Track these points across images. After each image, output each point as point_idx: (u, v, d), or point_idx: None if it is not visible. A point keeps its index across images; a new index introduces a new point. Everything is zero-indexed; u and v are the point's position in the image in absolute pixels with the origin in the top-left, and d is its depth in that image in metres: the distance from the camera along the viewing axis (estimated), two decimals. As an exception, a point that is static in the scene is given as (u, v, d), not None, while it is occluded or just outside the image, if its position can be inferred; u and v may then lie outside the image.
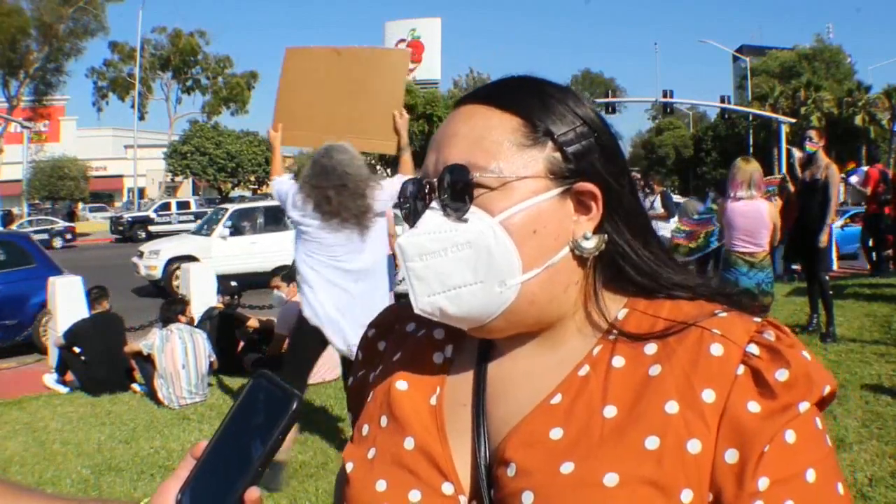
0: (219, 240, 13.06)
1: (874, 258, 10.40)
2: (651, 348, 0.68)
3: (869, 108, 37.64)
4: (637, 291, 0.73)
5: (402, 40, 39.74)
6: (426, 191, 0.72)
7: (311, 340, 3.92)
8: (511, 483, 0.66)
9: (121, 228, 30.16)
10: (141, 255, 13.14)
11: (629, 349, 0.69)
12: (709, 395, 0.64)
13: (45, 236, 27.79)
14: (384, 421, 0.76)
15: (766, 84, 42.83)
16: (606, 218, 0.72)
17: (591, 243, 0.71)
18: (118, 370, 5.95)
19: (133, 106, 44.89)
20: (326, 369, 5.80)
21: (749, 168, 5.31)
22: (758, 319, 0.68)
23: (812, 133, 6.86)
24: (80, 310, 6.79)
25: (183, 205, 32.21)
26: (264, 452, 0.63)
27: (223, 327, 6.40)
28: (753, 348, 0.65)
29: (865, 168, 10.60)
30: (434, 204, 0.71)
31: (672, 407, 0.64)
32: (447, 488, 0.70)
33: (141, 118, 46.88)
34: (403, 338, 0.84)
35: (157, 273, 12.68)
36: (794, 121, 31.04)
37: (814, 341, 6.11)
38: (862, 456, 3.64)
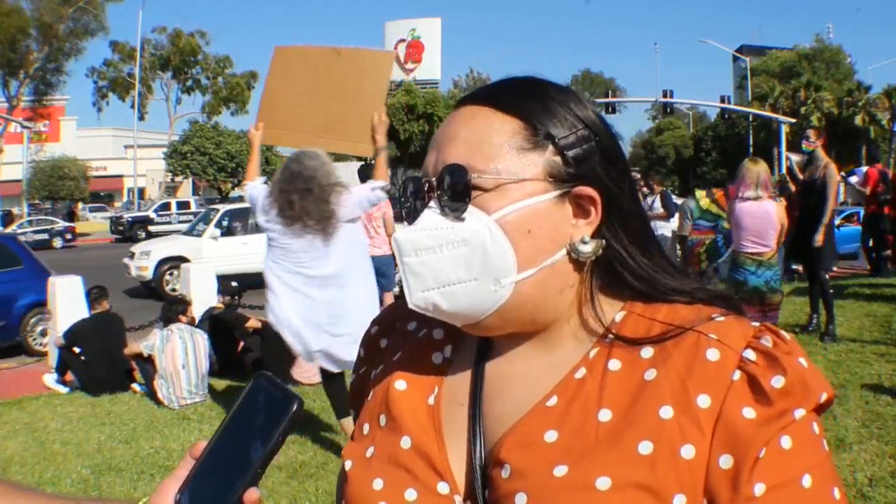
0: (210, 240, 12.96)
1: (874, 258, 10.40)
2: (647, 352, 0.68)
3: (869, 108, 37.63)
4: (634, 295, 0.73)
5: (402, 40, 39.71)
6: (425, 189, 0.72)
7: (273, 344, 4.01)
8: (505, 484, 0.66)
9: (121, 228, 30.16)
10: (132, 255, 13.05)
11: (626, 353, 0.69)
12: (704, 401, 0.64)
13: (45, 236, 27.84)
14: (383, 420, 0.77)
15: (766, 84, 42.83)
16: (605, 223, 0.71)
17: (588, 247, 0.71)
18: (118, 370, 5.96)
19: (133, 106, 44.89)
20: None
21: (757, 168, 5.32)
22: (756, 324, 0.68)
23: (810, 132, 6.86)
24: (80, 310, 6.79)
25: (183, 205, 32.21)
26: (264, 453, 0.63)
27: (220, 328, 6.39)
28: (750, 354, 0.65)
29: (865, 168, 10.59)
30: (432, 203, 0.71)
31: (667, 412, 0.64)
32: (442, 488, 0.71)
33: (141, 118, 46.92)
34: (405, 337, 0.84)
35: (148, 274, 12.59)
36: (794, 121, 31.06)
37: (813, 341, 6.11)
38: (862, 456, 3.63)
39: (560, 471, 0.64)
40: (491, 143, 0.70)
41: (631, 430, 0.64)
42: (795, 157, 7.52)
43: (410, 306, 0.72)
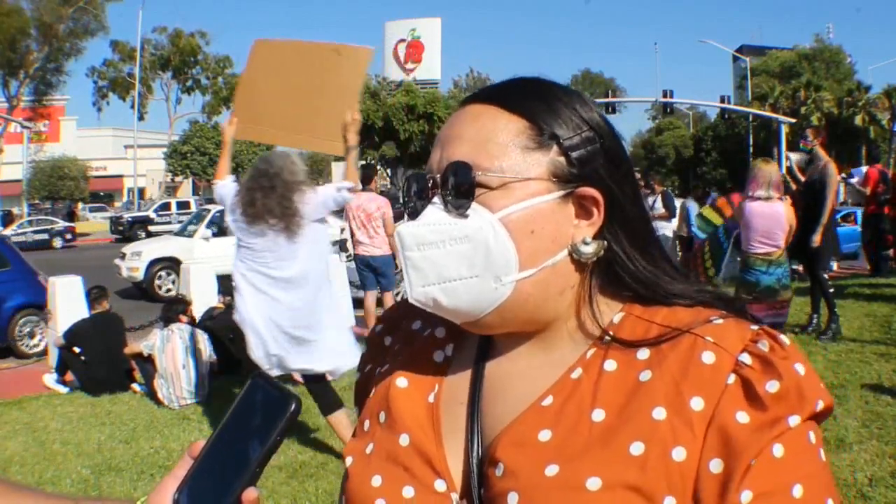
0: (201, 241, 12.83)
1: (874, 258, 10.39)
2: (644, 353, 0.68)
3: (869, 108, 37.60)
4: (634, 296, 0.73)
5: (402, 40, 39.73)
6: (429, 186, 0.73)
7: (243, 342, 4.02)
8: (498, 483, 0.67)
9: (121, 228, 30.15)
10: (123, 256, 12.95)
11: (622, 354, 0.69)
12: (697, 403, 0.64)
13: (45, 236, 27.83)
14: (383, 417, 0.77)
15: (766, 84, 42.81)
16: (607, 224, 0.72)
17: (590, 248, 0.71)
18: (118, 370, 5.95)
19: (133, 106, 44.89)
20: (327, 369, 5.79)
21: (769, 169, 5.33)
22: (755, 327, 0.67)
23: (808, 132, 6.86)
24: (80, 310, 6.79)
25: (183, 205, 32.19)
26: (262, 453, 0.63)
27: (221, 328, 6.38)
28: (746, 357, 0.64)
29: (864, 168, 10.59)
30: (436, 199, 0.72)
31: (660, 413, 0.64)
32: (439, 485, 0.71)
33: (140, 118, 46.89)
34: (409, 335, 0.85)
35: (139, 275, 12.48)
36: (794, 121, 31.04)
37: (813, 341, 6.11)
38: (862, 456, 3.63)
39: (551, 470, 0.64)
40: (496, 142, 0.70)
41: (623, 431, 0.64)
42: (795, 157, 7.51)
43: (410, 300, 0.73)
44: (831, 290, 6.37)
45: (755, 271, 5.15)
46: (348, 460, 0.77)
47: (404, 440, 0.74)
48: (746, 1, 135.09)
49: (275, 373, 3.92)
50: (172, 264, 12.62)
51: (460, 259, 0.69)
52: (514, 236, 0.69)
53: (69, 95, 49.39)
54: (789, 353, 0.65)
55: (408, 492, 0.71)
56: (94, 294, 6.48)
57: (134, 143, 42.07)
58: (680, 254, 9.31)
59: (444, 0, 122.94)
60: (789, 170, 7.42)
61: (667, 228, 9.81)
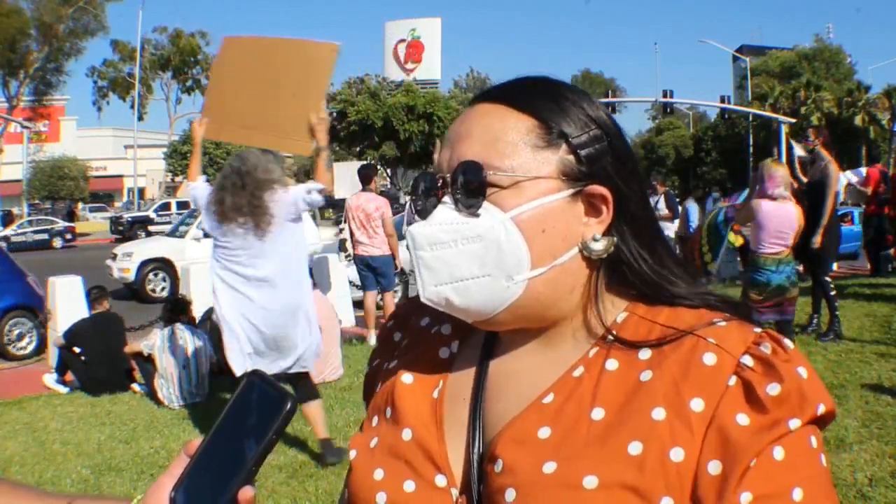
0: (192, 241, 12.70)
1: (874, 258, 10.39)
2: (645, 353, 0.68)
3: (869, 108, 37.58)
4: (639, 295, 0.74)
5: (402, 40, 39.69)
6: (439, 185, 0.73)
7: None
8: (497, 479, 0.67)
9: (121, 228, 30.16)
10: (114, 257, 12.89)
11: (624, 353, 0.69)
12: (697, 404, 0.64)
13: (45, 236, 27.85)
14: (388, 412, 0.78)
15: (766, 84, 42.81)
16: (614, 223, 0.72)
17: (600, 245, 0.71)
18: (118, 370, 5.95)
19: (133, 106, 44.89)
20: (330, 370, 5.80)
21: (782, 170, 5.33)
22: (758, 330, 0.67)
23: (809, 131, 6.85)
24: (80, 310, 6.79)
25: (183, 205, 32.11)
26: (258, 452, 0.63)
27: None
28: (748, 360, 0.64)
29: (864, 168, 10.58)
30: (447, 199, 0.72)
31: (659, 413, 0.64)
32: (440, 480, 0.71)
33: (140, 118, 46.88)
34: (417, 332, 0.85)
35: (131, 276, 12.42)
36: (794, 121, 31.03)
37: (813, 341, 6.11)
38: (862, 456, 3.63)
39: (549, 467, 0.64)
40: (506, 141, 0.70)
41: (622, 430, 0.64)
42: (799, 151, 7.48)
43: (423, 300, 0.73)
44: (833, 293, 6.35)
45: (765, 271, 5.13)
46: (352, 453, 0.78)
47: (407, 435, 0.74)
48: (746, 1, 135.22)
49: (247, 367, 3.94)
50: (164, 265, 12.62)
51: (472, 258, 0.70)
52: (526, 235, 0.69)
53: (69, 95, 49.49)
54: (792, 357, 0.65)
55: (409, 486, 0.72)
56: (95, 294, 6.48)
57: (134, 143, 42.08)
58: (681, 254, 9.30)
59: (444, 0, 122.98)
60: (791, 165, 7.36)
61: (669, 229, 9.82)
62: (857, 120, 37.12)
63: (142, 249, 13.07)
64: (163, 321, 5.96)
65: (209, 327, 6.26)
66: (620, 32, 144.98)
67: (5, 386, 6.45)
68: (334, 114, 31.71)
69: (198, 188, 4.07)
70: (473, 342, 0.80)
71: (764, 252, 5.15)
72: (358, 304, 7.80)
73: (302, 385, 4.04)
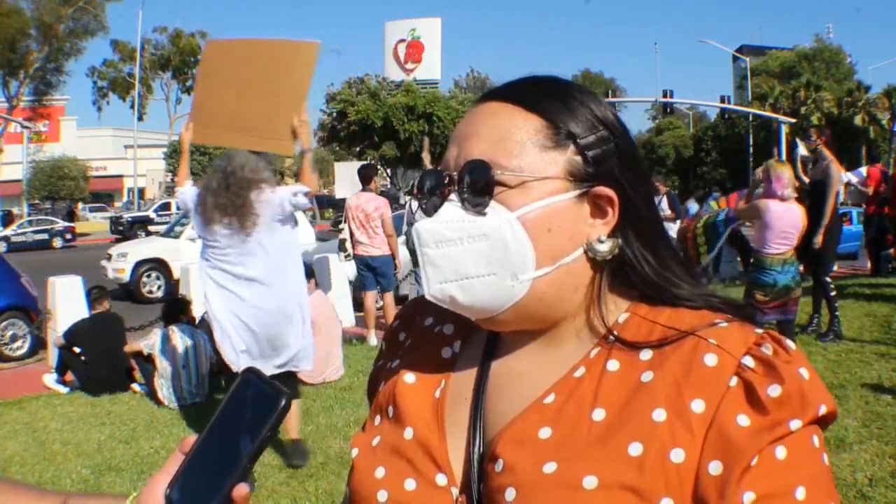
0: (187, 241, 12.56)
1: (875, 258, 10.38)
2: (646, 354, 0.68)
3: (869, 108, 37.55)
4: (640, 296, 0.74)
5: (402, 40, 39.64)
6: (445, 183, 0.73)
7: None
8: (497, 478, 0.67)
9: (121, 228, 30.15)
10: (109, 258, 12.81)
11: (625, 354, 0.69)
12: (698, 405, 0.64)
13: (45, 236, 27.83)
14: (391, 411, 0.78)
15: (766, 84, 42.80)
16: (619, 225, 0.72)
17: (605, 247, 0.71)
18: (118, 370, 5.95)
19: (133, 106, 44.89)
20: (331, 370, 5.80)
21: (788, 171, 5.33)
22: (759, 331, 0.67)
23: (811, 131, 6.85)
24: (80, 310, 6.79)
25: (183, 205, 32.18)
26: (253, 449, 0.63)
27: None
28: (749, 360, 0.64)
29: (863, 169, 10.56)
30: (453, 197, 0.72)
31: (659, 414, 0.64)
32: (440, 479, 0.72)
33: (140, 118, 46.89)
34: (421, 332, 0.86)
35: (126, 276, 12.36)
36: (794, 121, 31.03)
37: (813, 341, 6.11)
38: (862, 456, 3.63)
39: (549, 467, 0.65)
40: (514, 140, 0.71)
41: (622, 431, 0.64)
42: (803, 150, 7.48)
43: (427, 297, 0.73)
44: (833, 293, 6.34)
45: (771, 271, 5.12)
46: (354, 452, 0.79)
47: (408, 434, 0.75)
48: (746, 1, 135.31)
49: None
50: (158, 265, 12.59)
51: (478, 256, 0.70)
52: (532, 235, 0.69)
53: (69, 95, 49.46)
54: (793, 358, 0.65)
55: (409, 484, 0.72)
56: (95, 294, 6.48)
57: (134, 143, 42.08)
58: (681, 254, 9.29)
59: (444, 0, 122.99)
60: (794, 165, 7.35)
61: (672, 230, 9.83)
62: (857, 120, 37.09)
63: (136, 250, 13.02)
64: (162, 321, 5.96)
65: (209, 327, 6.27)
66: (620, 32, 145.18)
67: (5, 386, 6.44)
68: (334, 114, 31.71)
69: (186, 192, 4.10)
70: (475, 342, 0.80)
71: (770, 252, 5.14)
72: (358, 306, 7.79)
73: (286, 384, 4.05)
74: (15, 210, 35.53)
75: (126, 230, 29.56)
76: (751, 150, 37.85)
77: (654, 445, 0.63)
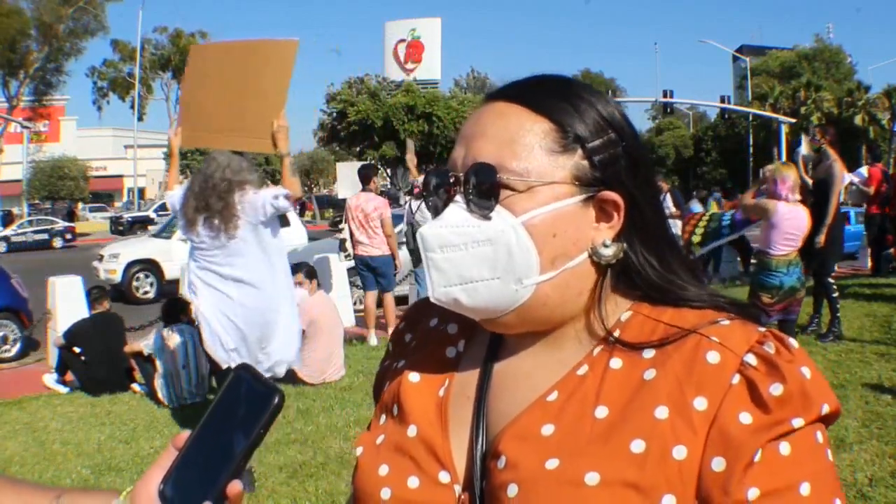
0: (179, 242, 12.33)
1: (875, 258, 10.37)
2: (649, 352, 0.69)
3: (869, 108, 37.54)
4: (644, 297, 0.74)
5: (402, 40, 39.64)
6: (451, 183, 0.73)
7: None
8: (499, 475, 0.67)
9: (121, 228, 30.17)
10: (101, 258, 12.72)
11: (628, 352, 0.70)
12: (700, 403, 0.64)
13: (45, 236, 27.81)
14: (395, 410, 0.79)
15: (766, 84, 42.79)
16: (624, 229, 0.72)
17: (609, 251, 0.71)
18: (118, 370, 5.95)
19: (133, 106, 44.89)
20: (332, 370, 5.80)
21: (794, 173, 5.33)
22: (762, 330, 0.67)
23: (815, 130, 6.84)
24: (80, 310, 6.79)
25: (183, 205, 32.16)
26: (246, 446, 0.63)
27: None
28: (751, 358, 0.64)
29: (864, 169, 10.55)
30: (458, 198, 0.72)
31: (662, 412, 0.64)
32: (444, 477, 0.72)
33: (140, 118, 46.91)
34: (426, 332, 0.86)
35: (117, 277, 12.24)
36: (794, 121, 31.06)
37: (813, 341, 6.10)
38: (862, 456, 3.63)
39: (552, 464, 0.65)
40: (522, 143, 0.70)
41: (625, 428, 0.64)
42: (805, 149, 7.47)
43: (432, 300, 0.73)
44: (835, 294, 6.33)
45: (777, 273, 5.11)
46: (358, 450, 0.79)
47: (412, 432, 0.75)
48: (746, 1, 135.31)
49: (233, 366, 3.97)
50: (150, 266, 12.54)
51: (482, 261, 0.70)
52: (537, 239, 0.69)
53: (69, 95, 49.43)
54: (795, 357, 0.65)
55: (413, 482, 0.72)
56: (95, 294, 6.48)
57: (134, 143, 42.07)
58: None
59: (444, 0, 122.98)
60: (795, 165, 7.34)
61: (677, 227, 9.84)
62: (857, 120, 37.09)
63: (128, 251, 12.91)
64: (162, 321, 5.96)
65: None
66: (620, 32, 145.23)
67: (5, 386, 6.44)
68: (334, 114, 31.71)
69: (174, 195, 4.13)
70: (479, 342, 0.80)
71: (775, 254, 5.14)
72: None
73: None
74: (15, 210, 35.53)
75: (126, 230, 29.56)
76: (751, 150, 37.87)
77: (657, 442, 0.63)
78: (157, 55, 48.50)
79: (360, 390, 5.46)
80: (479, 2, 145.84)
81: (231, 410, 0.65)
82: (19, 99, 39.88)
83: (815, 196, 6.46)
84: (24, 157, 36.64)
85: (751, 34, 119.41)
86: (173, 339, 5.54)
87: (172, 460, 0.66)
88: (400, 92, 31.89)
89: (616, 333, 0.71)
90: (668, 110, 33.97)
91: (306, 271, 6.03)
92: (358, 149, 32.63)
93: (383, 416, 0.81)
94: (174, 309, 5.98)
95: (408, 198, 8.05)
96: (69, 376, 6.15)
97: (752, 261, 5.59)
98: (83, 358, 6.00)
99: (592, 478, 0.63)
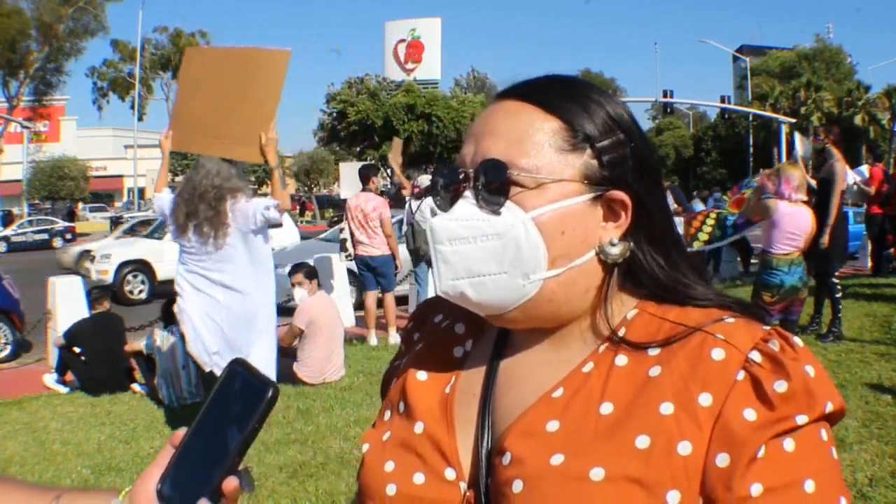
0: (171, 243, 12.64)
1: (876, 258, 10.37)
2: (655, 349, 0.69)
3: (869, 108, 37.56)
4: (650, 295, 0.74)
5: (403, 40, 39.67)
6: (460, 179, 0.73)
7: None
8: (505, 471, 0.68)
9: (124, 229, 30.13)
10: (92, 259, 12.61)
11: (633, 349, 0.70)
12: (705, 399, 0.64)
13: (45, 236, 27.83)
14: (401, 407, 0.79)
15: (766, 84, 42.81)
16: (631, 229, 0.72)
17: (616, 250, 0.72)
18: (118, 370, 5.95)
19: (133, 106, 44.89)
20: (332, 370, 5.80)
21: (799, 173, 5.33)
22: (766, 328, 0.68)
23: (819, 130, 6.83)
24: (80, 310, 6.79)
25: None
26: (241, 441, 0.63)
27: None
28: (756, 355, 0.65)
29: (864, 167, 10.55)
30: (468, 194, 0.72)
31: (667, 408, 0.65)
32: (449, 473, 0.72)
33: (140, 118, 46.90)
34: (432, 330, 0.87)
35: (109, 277, 12.09)
36: (794, 121, 31.06)
37: (813, 341, 6.10)
38: (862, 456, 3.63)
39: (557, 459, 0.65)
40: (532, 141, 0.71)
41: (630, 424, 0.65)
42: (800, 150, 7.46)
43: (438, 292, 0.74)
44: (839, 294, 6.31)
45: (778, 272, 5.11)
46: (364, 447, 0.80)
47: (418, 428, 0.75)
48: (746, 1, 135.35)
49: (216, 370, 4.01)
50: (142, 267, 12.51)
51: (490, 255, 0.70)
52: (545, 236, 0.70)
53: (69, 95, 49.44)
54: (800, 355, 0.65)
55: (418, 478, 0.73)
56: (95, 294, 6.49)
57: (134, 143, 42.10)
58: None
59: (444, 0, 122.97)
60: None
61: (680, 224, 9.85)
62: (857, 120, 37.09)
63: (120, 251, 12.86)
64: (163, 321, 5.96)
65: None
66: (620, 32, 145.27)
67: (5, 386, 6.44)
68: (334, 114, 31.73)
69: (163, 199, 4.18)
70: (486, 340, 0.81)
71: (777, 253, 5.14)
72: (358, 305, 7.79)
73: None
74: (15, 210, 35.53)
75: (126, 230, 29.52)
76: (751, 150, 37.89)
77: (661, 438, 0.63)
78: (157, 55, 48.49)
79: (360, 390, 5.46)
80: (479, 2, 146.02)
81: (226, 406, 0.65)
82: (19, 99, 39.88)
83: (818, 196, 6.45)
84: (24, 157, 36.66)
85: (751, 34, 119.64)
86: (167, 341, 5.54)
87: (170, 458, 0.66)
88: (400, 92, 31.91)
89: (622, 332, 0.71)
90: (668, 110, 33.99)
91: (306, 271, 6.03)
92: (358, 149, 32.66)
93: (388, 413, 0.81)
94: (174, 309, 5.98)
95: (408, 197, 8.04)
96: (69, 376, 6.15)
97: (753, 261, 5.59)
98: (83, 358, 6.00)
99: (597, 473, 0.63)
